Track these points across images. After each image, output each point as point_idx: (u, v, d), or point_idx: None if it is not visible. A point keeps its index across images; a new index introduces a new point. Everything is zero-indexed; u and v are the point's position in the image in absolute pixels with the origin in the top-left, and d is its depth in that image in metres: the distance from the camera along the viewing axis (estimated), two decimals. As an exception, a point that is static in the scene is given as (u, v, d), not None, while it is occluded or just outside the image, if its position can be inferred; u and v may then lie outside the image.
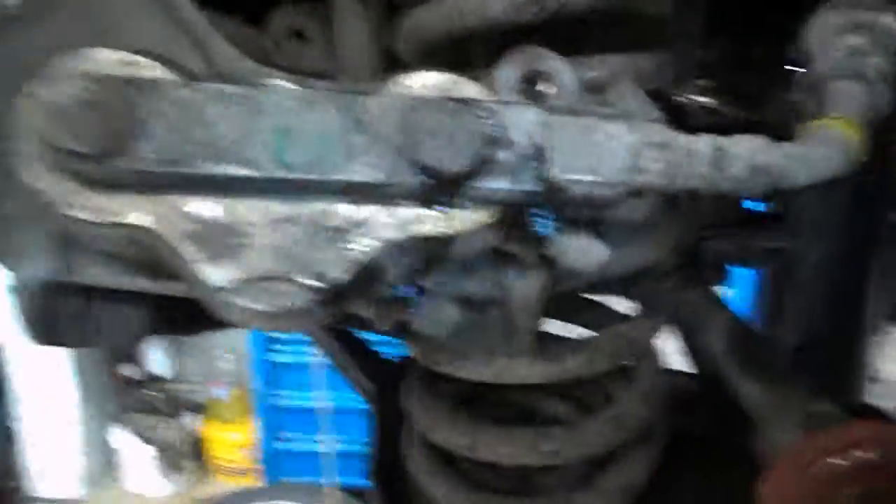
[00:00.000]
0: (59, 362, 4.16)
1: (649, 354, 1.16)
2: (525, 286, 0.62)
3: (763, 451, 1.12)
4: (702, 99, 1.88)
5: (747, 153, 0.51)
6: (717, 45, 1.57)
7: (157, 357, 4.88)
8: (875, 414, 1.26)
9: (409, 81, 0.52)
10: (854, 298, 1.28)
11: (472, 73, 0.71)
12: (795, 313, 1.24)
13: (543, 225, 0.56)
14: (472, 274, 0.62)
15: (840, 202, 1.15)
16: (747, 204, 1.71)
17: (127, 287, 0.60)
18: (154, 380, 4.91)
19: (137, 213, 0.50)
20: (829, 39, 0.68)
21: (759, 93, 1.60)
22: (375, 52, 1.06)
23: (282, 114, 0.48)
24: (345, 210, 0.51)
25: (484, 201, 0.51)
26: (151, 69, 0.50)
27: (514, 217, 0.54)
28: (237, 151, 0.48)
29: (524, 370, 0.96)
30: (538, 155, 0.50)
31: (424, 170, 0.48)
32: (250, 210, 0.50)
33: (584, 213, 0.55)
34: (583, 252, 0.57)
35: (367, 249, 0.51)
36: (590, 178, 0.50)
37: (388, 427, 1.27)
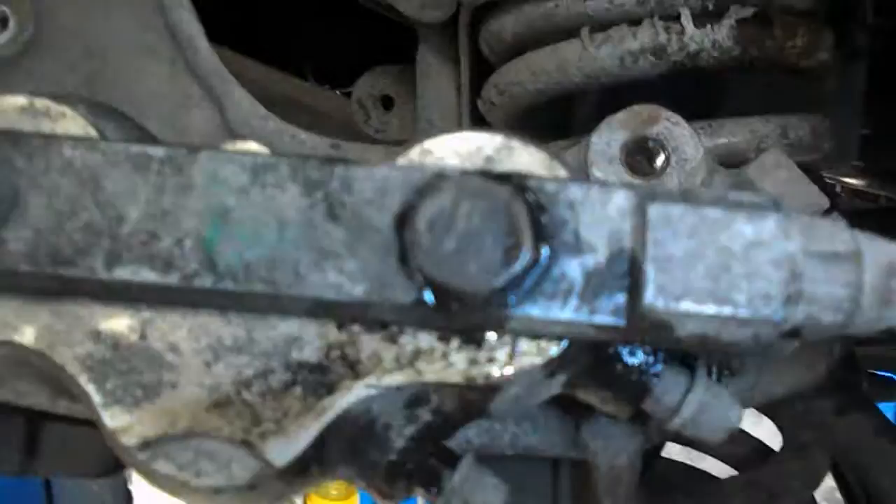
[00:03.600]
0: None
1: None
2: (608, 449, 0.42)
3: None
4: (847, 179, 1.61)
5: None
6: (870, 119, 1.33)
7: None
8: None
9: (435, 146, 0.35)
10: None
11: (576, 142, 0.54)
12: None
13: (638, 369, 0.36)
14: (527, 424, 0.42)
15: None
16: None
17: (67, 413, 0.45)
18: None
19: (27, 326, 0.34)
20: None
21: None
22: (466, 116, 0.92)
23: (219, 190, 0.31)
24: (325, 337, 0.34)
25: (534, 334, 0.32)
26: (61, 121, 0.35)
27: (587, 355, 0.35)
28: (146, 245, 0.31)
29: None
30: (625, 268, 0.31)
31: (427, 285, 0.30)
32: (176, 329, 0.33)
33: (708, 358, 0.35)
34: (701, 413, 0.36)
35: (355, 398, 0.33)
36: (711, 309, 0.30)
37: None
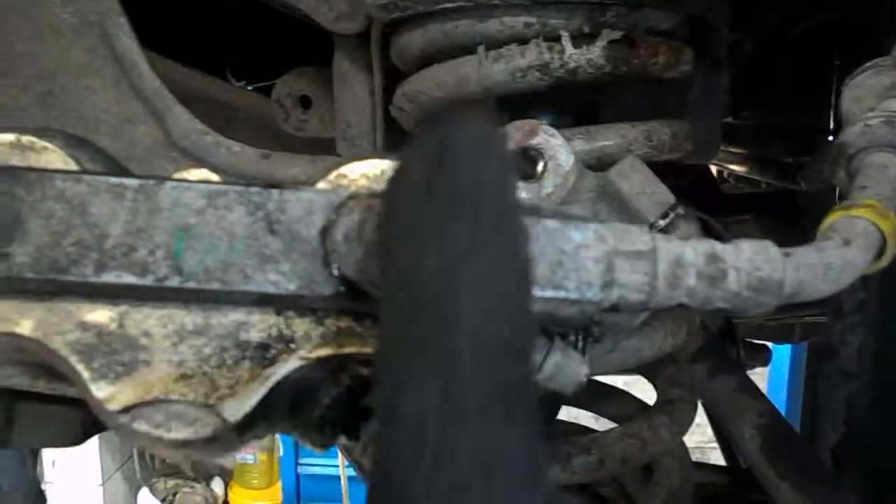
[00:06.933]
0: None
1: (674, 451, 1.04)
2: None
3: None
4: (733, 167, 1.77)
5: (748, 265, 0.42)
6: (750, 114, 1.48)
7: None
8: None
9: (349, 171, 0.45)
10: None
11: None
12: (836, 404, 1.11)
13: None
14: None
15: (889, 278, 1.03)
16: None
17: (44, 391, 0.54)
18: (180, 443, 4.83)
19: (25, 320, 0.43)
20: (867, 103, 0.58)
21: (794, 161, 1.49)
22: (379, 120, 1.00)
23: (182, 211, 0.41)
24: (266, 322, 0.44)
25: (425, 316, 0.43)
26: (44, 154, 0.43)
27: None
28: (126, 255, 0.41)
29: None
30: (489, 264, 0.42)
31: (344, 282, 0.40)
32: (148, 319, 0.43)
33: (575, 330, 0.46)
34: (557, 371, 0.48)
35: (291, 368, 0.43)
36: (550, 293, 0.41)
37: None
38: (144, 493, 4.59)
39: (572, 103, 0.85)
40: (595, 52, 0.79)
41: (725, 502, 1.27)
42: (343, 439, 0.47)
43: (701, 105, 0.99)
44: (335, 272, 0.41)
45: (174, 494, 4.59)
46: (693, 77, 0.93)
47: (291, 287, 0.41)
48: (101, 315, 0.43)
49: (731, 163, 1.80)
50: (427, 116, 0.37)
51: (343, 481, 3.86)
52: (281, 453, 4.42)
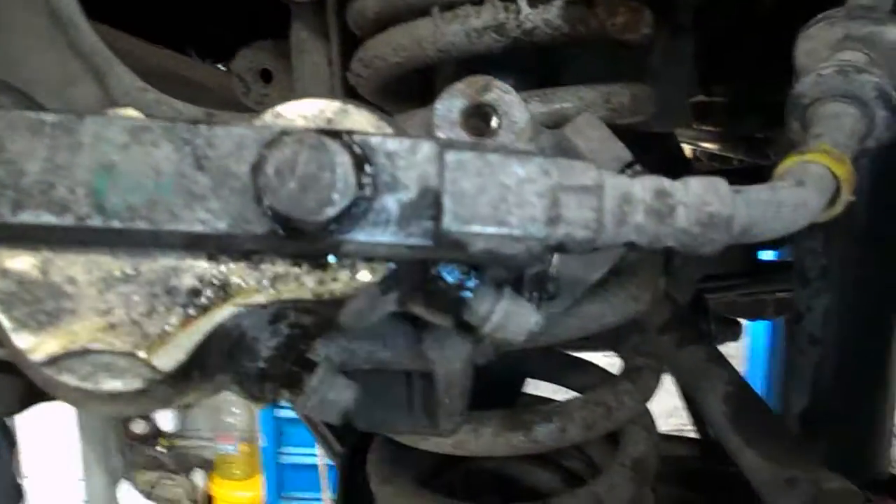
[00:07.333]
0: (65, 418, 4.09)
1: (639, 420, 1.03)
2: (444, 357, 0.52)
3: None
4: (704, 144, 1.78)
5: (697, 200, 0.41)
6: (721, 90, 1.47)
7: (164, 411, 4.80)
8: (900, 489, 1.12)
9: (285, 110, 0.43)
10: (873, 355, 1.15)
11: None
12: (803, 372, 1.11)
13: (456, 285, 0.45)
14: (379, 342, 0.51)
15: (852, 243, 1.03)
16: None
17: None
18: (161, 435, 4.80)
19: (-59, 268, 0.41)
20: (820, 55, 0.58)
21: (765, 136, 1.49)
22: (338, 88, 0.99)
23: (104, 147, 0.39)
24: (199, 267, 0.42)
25: (364, 257, 0.41)
26: (-40, 94, 0.41)
27: (414, 275, 0.44)
28: (45, 193, 0.38)
29: (486, 442, 0.85)
30: (430, 201, 0.40)
31: (277, 218, 0.39)
32: (73, 265, 0.40)
33: (502, 272, 0.45)
34: (507, 319, 0.46)
35: (225, 315, 0.41)
36: (492, 230, 0.39)
37: (354, 494, 1.17)
38: (125, 486, 4.55)
39: (531, 66, 0.84)
40: (552, 13, 0.78)
41: (703, 477, 1.27)
42: (286, 393, 0.46)
43: (665, 70, 0.99)
44: (267, 211, 0.39)
45: (157, 486, 4.56)
46: (654, 40, 0.91)
47: (221, 225, 0.39)
48: (22, 262, 0.41)
49: (704, 140, 1.80)
50: None
51: (322, 470, 3.85)
52: (262, 444, 4.40)
